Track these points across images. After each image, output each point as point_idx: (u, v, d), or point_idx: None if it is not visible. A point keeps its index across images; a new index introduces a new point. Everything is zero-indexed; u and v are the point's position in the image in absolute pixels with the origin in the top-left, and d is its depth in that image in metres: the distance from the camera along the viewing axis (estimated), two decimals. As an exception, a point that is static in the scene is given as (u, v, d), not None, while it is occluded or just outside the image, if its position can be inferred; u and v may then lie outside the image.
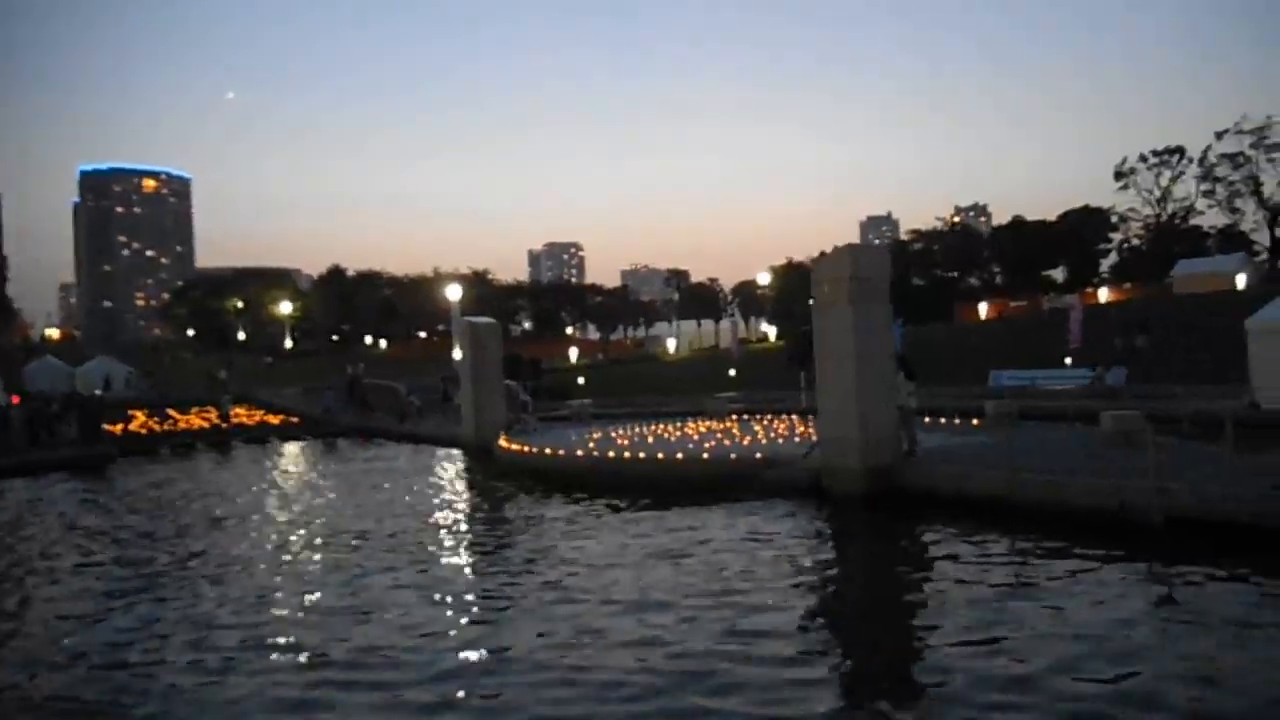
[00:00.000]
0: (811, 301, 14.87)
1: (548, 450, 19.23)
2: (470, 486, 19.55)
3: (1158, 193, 74.31)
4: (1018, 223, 77.44)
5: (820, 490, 14.33)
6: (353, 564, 11.44)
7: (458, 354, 63.30)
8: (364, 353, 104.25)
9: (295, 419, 39.90)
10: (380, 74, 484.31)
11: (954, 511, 12.56)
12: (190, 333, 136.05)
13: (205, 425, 37.82)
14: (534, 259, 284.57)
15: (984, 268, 79.49)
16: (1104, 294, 56.33)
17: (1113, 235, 75.23)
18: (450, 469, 22.91)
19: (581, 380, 32.38)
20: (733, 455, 16.42)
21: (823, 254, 15.02)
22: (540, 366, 30.82)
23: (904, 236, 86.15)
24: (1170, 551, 9.75)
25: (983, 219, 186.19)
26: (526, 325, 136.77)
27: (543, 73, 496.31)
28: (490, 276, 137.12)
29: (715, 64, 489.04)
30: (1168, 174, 73.51)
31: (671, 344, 69.92)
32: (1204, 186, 71.47)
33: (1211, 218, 72.80)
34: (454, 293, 66.29)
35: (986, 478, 12.79)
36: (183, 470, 25.14)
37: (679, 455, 16.80)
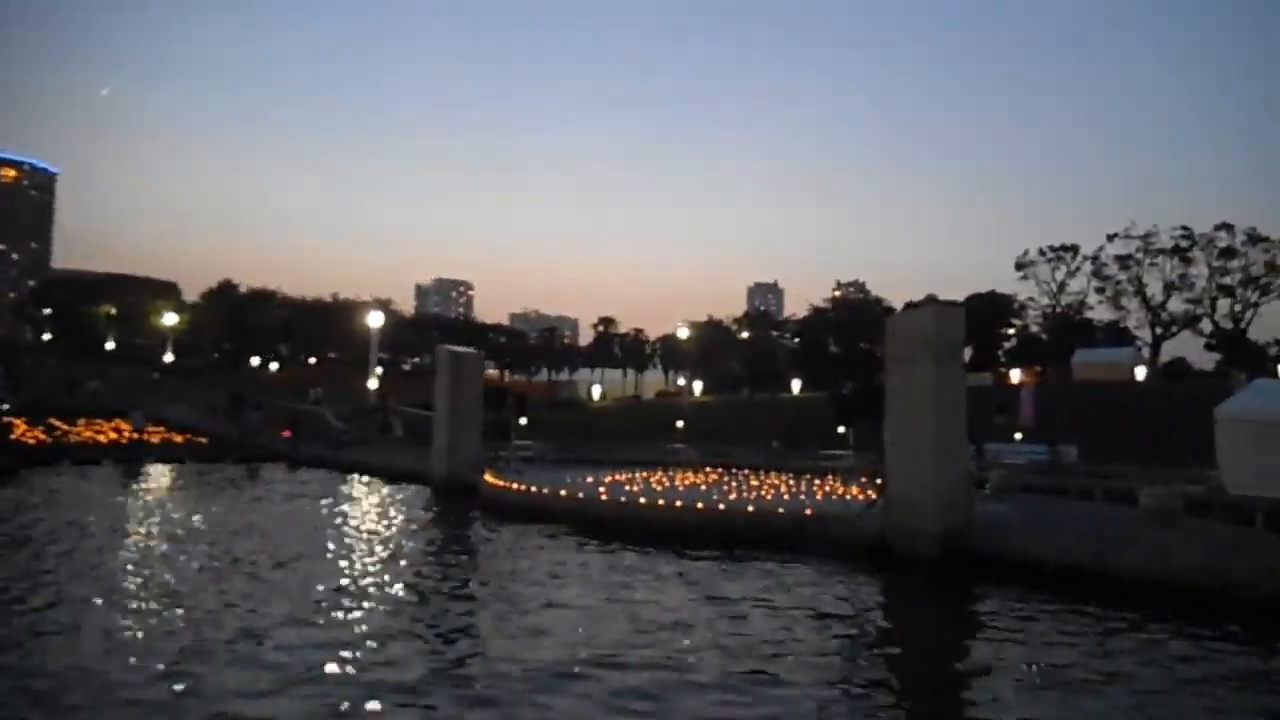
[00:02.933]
0: (886, 358, 14.68)
1: (563, 492, 18.17)
2: (483, 533, 18.07)
3: (1053, 285, 79.90)
4: (930, 300, 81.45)
5: (885, 550, 13.98)
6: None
7: (372, 383, 61.14)
8: (251, 374, 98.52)
9: (202, 439, 36.88)
10: (275, 89, 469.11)
11: (1030, 580, 12.45)
12: (46, 336, 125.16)
13: (113, 439, 34.43)
14: (421, 293, 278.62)
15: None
16: (1015, 375, 59.44)
17: (1015, 320, 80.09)
18: (418, 506, 21.30)
19: (524, 421, 31.30)
20: (780, 510, 15.89)
21: (905, 307, 14.90)
22: (525, 403, 29.55)
23: (820, 304, 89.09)
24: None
25: (861, 295, 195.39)
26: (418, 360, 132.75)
27: (442, 107, 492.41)
28: (394, 307, 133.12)
29: (610, 119, 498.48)
30: (1063, 269, 79.21)
31: (596, 390, 69.26)
32: (1095, 283, 77.26)
33: (1100, 312, 78.59)
34: (375, 319, 64.12)
35: (1068, 547, 12.75)
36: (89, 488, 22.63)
37: (721, 506, 16.15)
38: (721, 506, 16.10)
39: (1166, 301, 73.79)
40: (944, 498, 13.66)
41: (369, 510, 19.97)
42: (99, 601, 10.20)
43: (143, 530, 15.90)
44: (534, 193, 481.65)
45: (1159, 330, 75.13)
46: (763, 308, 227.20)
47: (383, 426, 35.77)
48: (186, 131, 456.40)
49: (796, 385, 65.32)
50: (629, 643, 8.86)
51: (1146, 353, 72.29)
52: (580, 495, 17.75)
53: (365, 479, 27.14)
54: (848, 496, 17.48)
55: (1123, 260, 75.28)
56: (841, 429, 21.81)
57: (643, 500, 16.80)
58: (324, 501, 21.23)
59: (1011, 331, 79.52)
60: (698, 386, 69.90)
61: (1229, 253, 69.78)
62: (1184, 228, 72.48)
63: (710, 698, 7.29)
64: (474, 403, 25.27)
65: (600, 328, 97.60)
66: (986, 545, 13.60)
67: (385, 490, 24.46)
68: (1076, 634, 9.77)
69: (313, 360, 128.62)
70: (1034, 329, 79.17)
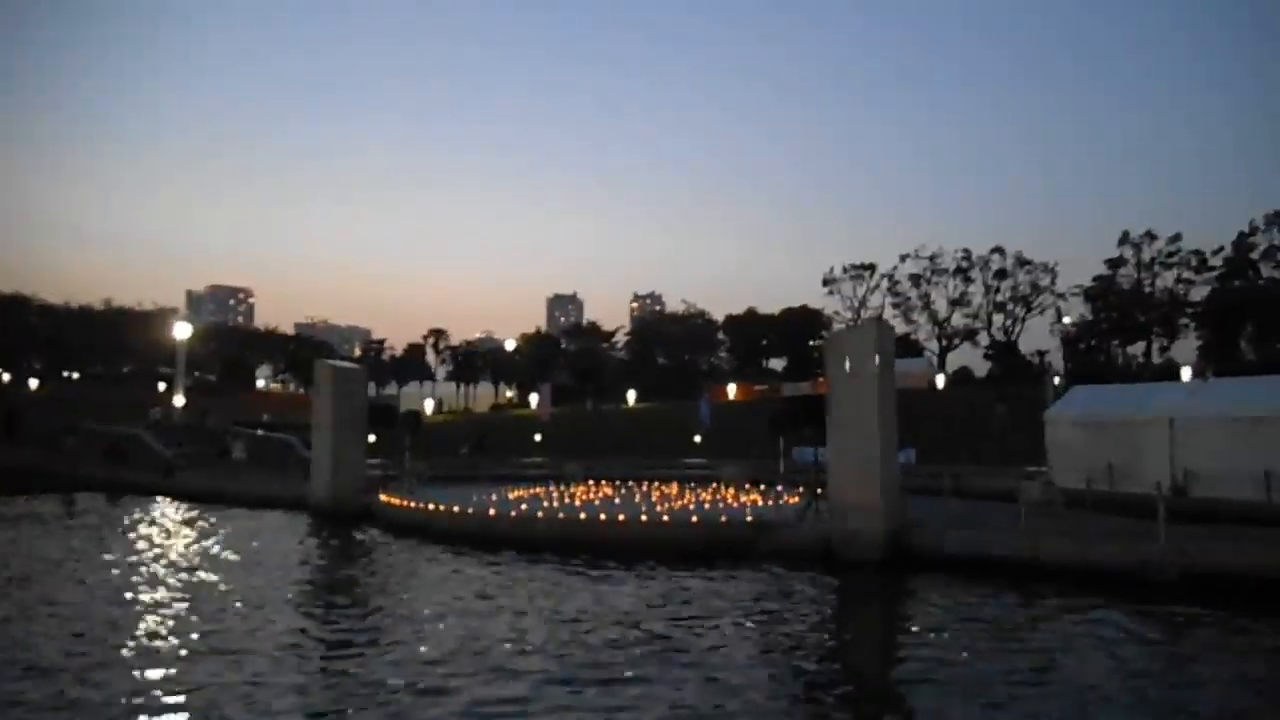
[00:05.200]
0: (828, 372, 15.57)
1: (492, 511, 17.65)
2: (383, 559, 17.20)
3: (855, 301, 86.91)
4: (749, 314, 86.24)
5: (829, 553, 14.81)
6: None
7: (179, 400, 55.61)
8: (8, 391, 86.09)
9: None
10: (30, 85, 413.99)
11: (968, 573, 13.74)
12: None
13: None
14: (195, 300, 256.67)
15: (714, 352, 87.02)
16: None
17: (825, 333, 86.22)
18: (312, 534, 19.83)
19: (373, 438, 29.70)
20: (723, 519, 16.38)
21: (846, 327, 15.86)
22: (421, 420, 27.98)
23: (649, 317, 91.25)
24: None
25: (657, 308, 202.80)
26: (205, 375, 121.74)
27: (221, 106, 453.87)
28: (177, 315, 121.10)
29: (400, 126, 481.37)
30: (864, 285, 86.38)
31: (429, 405, 66.78)
32: (891, 299, 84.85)
33: (896, 325, 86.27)
34: (182, 330, 58.48)
35: (1005, 541, 14.16)
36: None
37: (665, 519, 16.39)
38: (666, 519, 16.34)
39: (950, 316, 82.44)
40: (887, 502, 14.71)
41: (263, 544, 18.31)
42: None
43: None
44: (317, 200, 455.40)
45: (944, 342, 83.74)
46: (563, 319, 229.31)
47: (221, 449, 32.69)
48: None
49: (632, 396, 66.70)
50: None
51: (935, 362, 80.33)
52: (515, 514, 17.33)
53: (220, 511, 24.45)
54: (771, 504, 18.25)
55: (914, 279, 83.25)
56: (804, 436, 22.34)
57: (584, 516, 16.70)
58: (207, 539, 19.23)
59: (818, 343, 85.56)
60: (533, 399, 69.41)
61: (1001, 274, 79.12)
62: (964, 250, 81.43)
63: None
64: (358, 420, 23.90)
65: (431, 339, 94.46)
66: (924, 544, 14.79)
67: (255, 520, 22.29)
68: (1033, 615, 10.97)
69: (74, 375, 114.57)
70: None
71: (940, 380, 63.40)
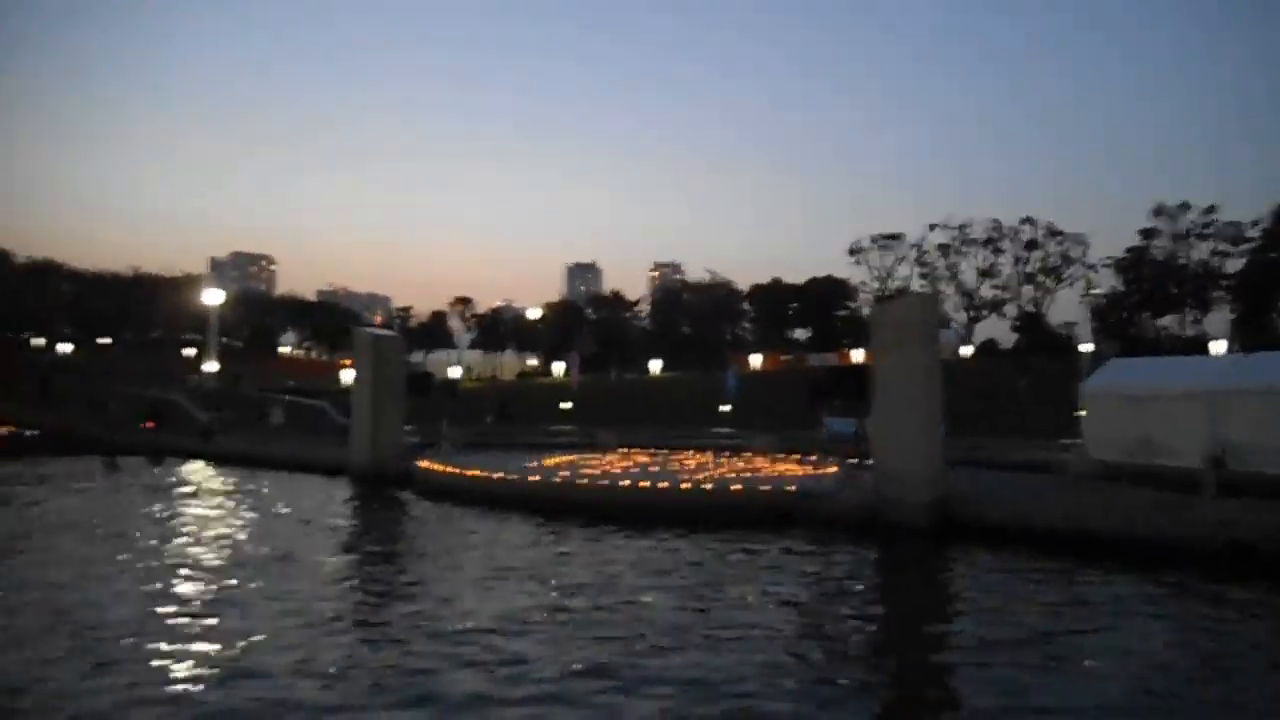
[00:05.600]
0: (873, 343, 15.58)
1: (533, 478, 17.89)
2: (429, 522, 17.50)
3: (883, 271, 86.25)
4: (774, 284, 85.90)
5: (873, 522, 14.93)
6: None
7: (213, 366, 56.37)
8: (38, 357, 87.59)
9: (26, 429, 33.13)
10: (52, 57, 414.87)
11: (1012, 542, 13.81)
12: None
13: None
14: (218, 267, 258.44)
15: (737, 322, 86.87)
16: (858, 355, 63.69)
17: (849, 303, 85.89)
18: (357, 499, 20.24)
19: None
20: (766, 487, 16.52)
21: (893, 298, 15.84)
22: (457, 387, 28.29)
23: (673, 286, 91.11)
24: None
25: (677, 276, 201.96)
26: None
27: (242, 74, 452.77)
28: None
29: (420, 96, 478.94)
30: (891, 256, 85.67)
31: (456, 372, 67.20)
32: (919, 270, 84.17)
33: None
34: (214, 297, 58.94)
35: (1049, 511, 14.21)
36: None
37: (708, 486, 16.56)
38: (708, 487, 16.51)
39: (979, 287, 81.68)
40: (931, 472, 14.78)
41: (311, 505, 18.72)
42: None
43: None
44: (337, 168, 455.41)
45: (972, 314, 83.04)
46: (582, 288, 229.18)
47: (260, 414, 33.24)
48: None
49: (656, 366, 66.85)
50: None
51: (962, 334, 79.76)
52: (557, 480, 17.57)
53: (248, 473, 24.83)
54: (816, 474, 18.37)
55: (942, 249, 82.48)
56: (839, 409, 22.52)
57: (626, 483, 16.88)
58: (251, 499, 19.69)
59: (844, 313, 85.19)
60: (558, 367, 69.74)
61: (1031, 244, 78.18)
62: (995, 220, 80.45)
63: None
64: (396, 387, 24.21)
65: (459, 306, 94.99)
66: (968, 514, 14.86)
67: (295, 484, 22.75)
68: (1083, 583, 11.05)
69: (107, 340, 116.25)
70: (866, 311, 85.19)
71: (967, 351, 62.98)
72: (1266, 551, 11.93)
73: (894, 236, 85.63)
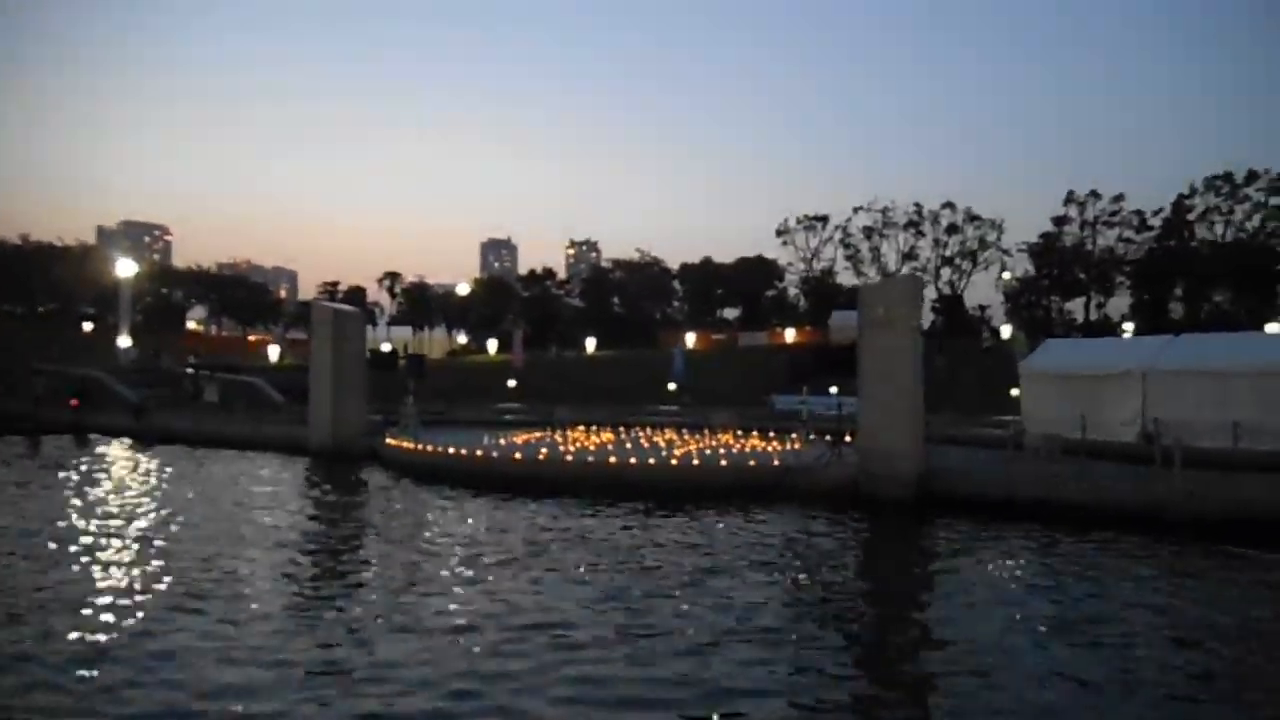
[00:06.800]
0: (858, 321, 16.03)
1: (516, 455, 17.81)
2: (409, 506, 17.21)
3: (808, 252, 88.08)
4: (705, 263, 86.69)
5: (858, 495, 15.46)
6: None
7: (124, 341, 53.57)
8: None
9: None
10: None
11: (991, 513, 14.54)
12: None
13: None
14: (105, 236, 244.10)
15: (667, 301, 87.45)
16: (790, 334, 65.15)
17: (778, 283, 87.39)
18: (311, 477, 19.74)
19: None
20: (751, 462, 16.87)
21: (881, 279, 16.28)
22: (424, 363, 27.52)
23: (604, 264, 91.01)
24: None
25: (594, 254, 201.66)
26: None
27: (134, 37, 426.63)
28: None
29: (320, 65, 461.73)
30: (816, 237, 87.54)
31: (385, 349, 65.41)
32: (843, 251, 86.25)
33: (845, 277, 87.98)
34: (126, 268, 55.95)
35: (1026, 483, 14.99)
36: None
37: (695, 462, 16.80)
38: (696, 462, 16.76)
39: (900, 269, 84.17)
40: (915, 447, 15.38)
41: (276, 487, 18.15)
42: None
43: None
44: (236, 139, 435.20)
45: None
46: (497, 264, 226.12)
47: (194, 392, 31.83)
48: None
49: (591, 344, 66.79)
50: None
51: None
52: (539, 457, 17.52)
53: (201, 453, 23.85)
54: (795, 450, 18.83)
55: (866, 231, 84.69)
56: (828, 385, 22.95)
57: (613, 459, 16.98)
58: (211, 480, 18.96)
59: (772, 293, 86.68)
60: (492, 345, 68.93)
61: (952, 228, 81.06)
62: (916, 204, 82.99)
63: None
64: (357, 364, 23.62)
65: (386, 282, 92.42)
66: (948, 486, 15.54)
67: (250, 463, 21.91)
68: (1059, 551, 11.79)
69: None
70: (793, 292, 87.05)
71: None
72: (1230, 519, 12.90)
73: (820, 218, 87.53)
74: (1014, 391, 31.26)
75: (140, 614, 8.06)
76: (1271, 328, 48.15)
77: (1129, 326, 52.11)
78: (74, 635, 7.36)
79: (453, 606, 8.51)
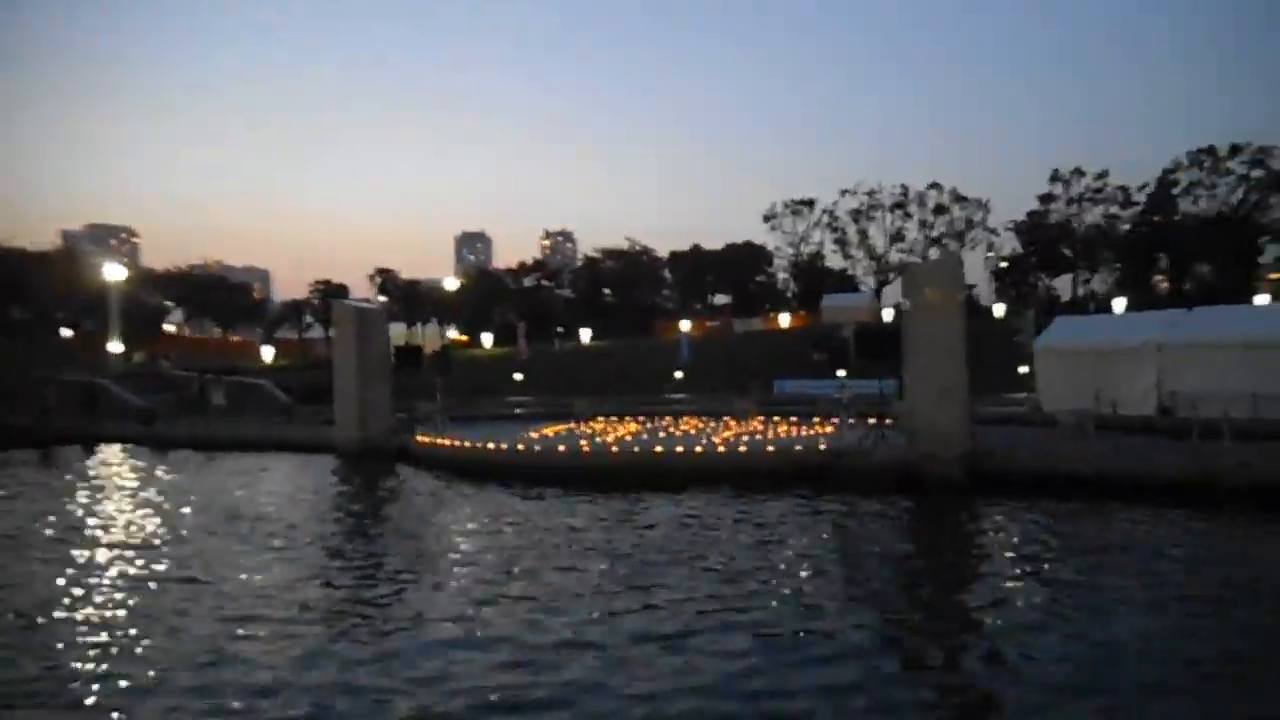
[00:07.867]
0: (904, 304, 16.13)
1: (560, 448, 17.80)
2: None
3: (795, 236, 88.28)
4: (694, 250, 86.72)
5: (909, 477, 15.58)
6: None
7: (115, 347, 52.84)
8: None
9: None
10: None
11: (1040, 490, 14.73)
12: None
13: None
14: (71, 240, 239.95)
15: (658, 289, 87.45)
16: (784, 319, 65.42)
17: (768, 269, 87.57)
18: (343, 477, 19.58)
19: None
20: (798, 446, 16.97)
21: (920, 261, 16.39)
22: (451, 359, 27.28)
23: (593, 254, 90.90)
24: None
25: (569, 245, 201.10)
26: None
27: (93, 30, 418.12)
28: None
29: (287, 61, 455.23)
30: (804, 222, 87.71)
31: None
32: (831, 235, 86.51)
33: (833, 261, 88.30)
34: (115, 272, 55.15)
35: (1073, 459, 15.20)
36: None
37: (742, 448, 16.88)
38: (743, 449, 16.83)
39: (888, 252, 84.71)
40: (963, 426, 15.54)
41: (315, 489, 18.00)
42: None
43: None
44: (202, 139, 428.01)
45: (881, 278, 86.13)
46: (472, 257, 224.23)
47: (201, 398, 31.48)
48: None
49: (586, 334, 66.69)
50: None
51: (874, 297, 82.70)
52: (583, 449, 17.53)
53: (209, 457, 23.44)
54: (837, 433, 18.91)
55: (853, 214, 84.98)
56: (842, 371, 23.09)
57: (659, 448, 17.01)
58: (251, 485, 18.80)
59: (762, 279, 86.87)
60: (486, 339, 68.65)
61: (939, 209, 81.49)
62: (903, 185, 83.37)
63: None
64: (382, 361, 23.48)
65: (376, 279, 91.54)
66: (998, 466, 15.73)
67: (279, 464, 21.67)
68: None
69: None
70: (782, 276, 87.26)
71: (888, 314, 65.50)
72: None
73: (807, 202, 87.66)
74: (1021, 369, 31.67)
75: (200, 631, 8.03)
76: (1258, 300, 49.03)
77: (1119, 303, 52.70)
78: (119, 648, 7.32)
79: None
